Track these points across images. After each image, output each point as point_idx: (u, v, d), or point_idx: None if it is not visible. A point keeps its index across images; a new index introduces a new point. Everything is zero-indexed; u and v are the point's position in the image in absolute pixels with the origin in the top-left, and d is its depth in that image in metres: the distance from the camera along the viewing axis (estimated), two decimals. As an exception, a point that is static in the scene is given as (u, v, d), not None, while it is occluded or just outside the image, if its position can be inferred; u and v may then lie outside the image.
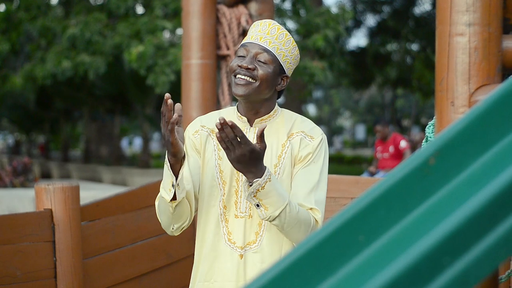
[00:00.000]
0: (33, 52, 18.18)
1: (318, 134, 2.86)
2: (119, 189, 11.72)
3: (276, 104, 2.92)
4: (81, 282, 3.77)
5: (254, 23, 2.88)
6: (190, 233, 4.74)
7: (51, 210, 3.68)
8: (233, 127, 2.50)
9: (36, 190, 3.74)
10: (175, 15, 14.79)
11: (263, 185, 2.57)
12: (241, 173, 2.73)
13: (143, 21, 14.85)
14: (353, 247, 1.44)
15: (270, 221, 2.67)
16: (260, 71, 2.75)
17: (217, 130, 2.55)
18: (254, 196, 2.61)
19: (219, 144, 2.82)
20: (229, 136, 2.51)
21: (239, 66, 2.75)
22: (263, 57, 2.77)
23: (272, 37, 2.78)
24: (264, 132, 2.81)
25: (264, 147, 2.57)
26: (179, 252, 4.65)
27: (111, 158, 27.84)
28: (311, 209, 2.75)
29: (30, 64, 18.08)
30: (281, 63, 2.81)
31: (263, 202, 2.61)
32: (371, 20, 28.96)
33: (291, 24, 18.05)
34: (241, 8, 5.15)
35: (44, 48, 17.48)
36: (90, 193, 11.69)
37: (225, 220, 2.82)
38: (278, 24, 2.81)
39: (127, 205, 4.23)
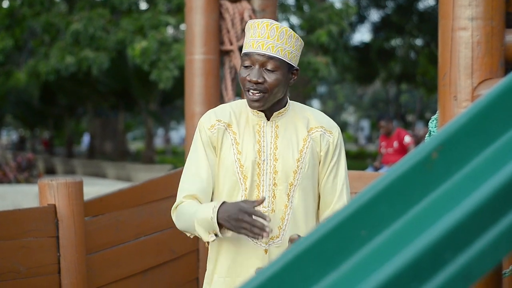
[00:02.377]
0: (36, 48, 18.18)
1: (335, 127, 2.93)
2: (123, 185, 11.73)
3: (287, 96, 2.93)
4: (85, 277, 3.77)
5: (250, 23, 2.79)
6: (193, 229, 4.74)
7: (54, 205, 3.68)
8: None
9: (40, 185, 3.74)
10: (179, 11, 14.79)
11: None
12: (263, 167, 2.78)
13: (147, 16, 14.85)
14: (355, 242, 1.44)
15: None
16: (269, 81, 2.73)
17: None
18: None
19: (236, 139, 2.83)
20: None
21: (248, 81, 2.74)
22: (270, 65, 2.73)
23: (273, 40, 2.73)
24: (283, 127, 2.85)
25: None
26: (183, 248, 4.65)
27: (115, 153, 27.85)
28: None
29: (33, 60, 18.09)
30: (288, 61, 2.77)
31: None
32: (375, 15, 28.90)
33: (294, 20, 18.04)
34: (244, 3, 5.14)
35: (48, 44, 17.47)
36: (94, 188, 11.71)
37: None
38: (276, 23, 2.76)
39: (130, 201, 4.23)
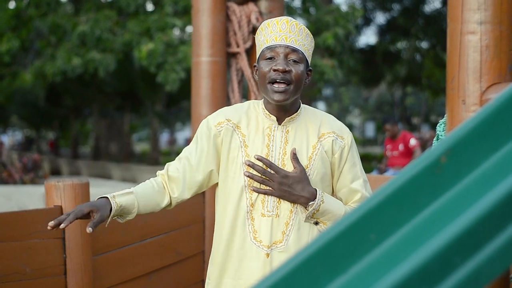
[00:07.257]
0: (43, 49, 18.21)
1: (347, 132, 2.90)
2: (128, 186, 11.73)
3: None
4: (91, 279, 3.77)
5: (268, 21, 2.81)
6: (199, 231, 4.74)
7: (61, 207, 3.68)
8: (260, 160, 2.70)
9: (46, 187, 3.74)
10: (185, 13, 14.80)
11: (317, 208, 2.60)
12: (270, 172, 2.78)
13: (153, 18, 14.86)
14: (364, 246, 1.44)
15: None
16: (294, 71, 2.73)
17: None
18: (311, 217, 2.68)
19: (245, 141, 2.82)
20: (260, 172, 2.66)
21: (275, 70, 2.72)
22: (294, 56, 2.74)
23: (295, 35, 2.75)
24: (293, 132, 2.83)
25: (301, 170, 2.64)
26: (188, 250, 4.64)
27: (120, 155, 27.87)
28: None
29: (40, 61, 18.12)
30: (307, 58, 2.80)
31: (321, 219, 2.67)
32: (380, 18, 28.89)
33: (301, 22, 17.98)
34: (251, 6, 5.15)
35: (54, 45, 17.50)
36: (100, 190, 11.72)
37: (251, 218, 2.81)
38: (295, 20, 2.78)
39: (136, 202, 4.23)
